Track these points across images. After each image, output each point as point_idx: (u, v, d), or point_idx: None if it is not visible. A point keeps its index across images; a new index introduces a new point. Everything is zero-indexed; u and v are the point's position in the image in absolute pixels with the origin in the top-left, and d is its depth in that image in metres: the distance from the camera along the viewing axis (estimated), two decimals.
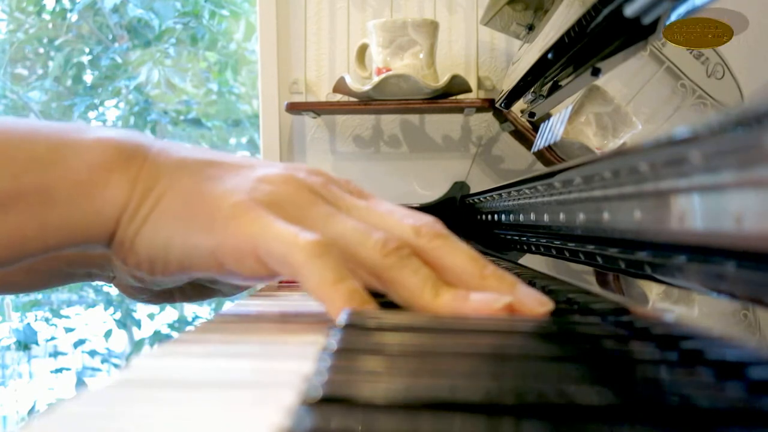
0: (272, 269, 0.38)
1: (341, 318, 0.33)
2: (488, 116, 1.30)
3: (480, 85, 1.31)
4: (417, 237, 0.39)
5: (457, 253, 0.40)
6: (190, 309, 2.92)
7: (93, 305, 2.84)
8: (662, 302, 0.40)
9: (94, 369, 2.74)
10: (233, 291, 0.53)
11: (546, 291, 0.49)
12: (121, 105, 2.66)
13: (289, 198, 0.40)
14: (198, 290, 0.52)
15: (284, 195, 0.40)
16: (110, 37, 2.64)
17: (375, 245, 0.38)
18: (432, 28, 1.19)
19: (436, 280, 0.38)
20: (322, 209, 0.40)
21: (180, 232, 0.39)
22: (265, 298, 0.54)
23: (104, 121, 2.71)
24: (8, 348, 2.68)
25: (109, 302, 2.82)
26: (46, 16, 2.68)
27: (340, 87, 1.20)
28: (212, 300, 0.59)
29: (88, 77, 2.70)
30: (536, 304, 0.38)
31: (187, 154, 0.42)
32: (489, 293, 0.38)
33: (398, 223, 0.40)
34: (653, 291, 0.41)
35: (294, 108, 1.25)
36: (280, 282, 0.58)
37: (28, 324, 2.69)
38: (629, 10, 0.52)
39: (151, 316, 2.88)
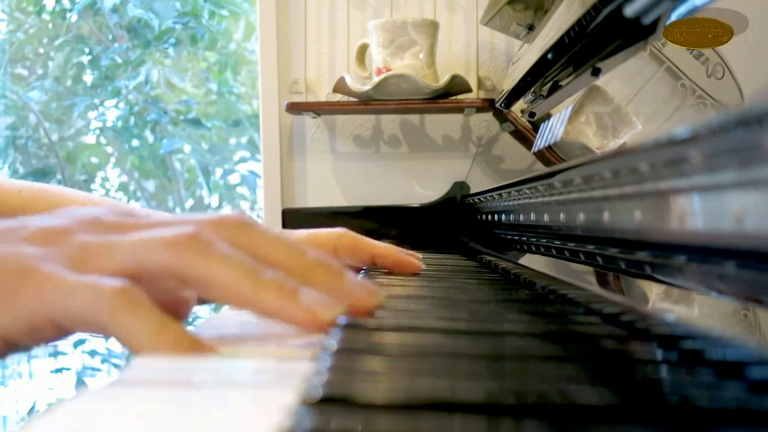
0: (71, 331, 0.33)
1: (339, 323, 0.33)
2: (488, 116, 1.30)
3: (480, 85, 1.31)
4: (217, 230, 0.35)
5: (271, 244, 0.36)
6: None
7: None
8: (662, 302, 0.40)
9: (94, 369, 2.74)
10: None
11: (546, 291, 0.49)
12: (121, 105, 2.66)
13: (65, 243, 0.34)
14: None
15: (61, 241, 0.34)
16: (110, 37, 2.64)
17: (165, 246, 0.33)
18: (432, 28, 1.19)
19: (255, 268, 0.33)
20: (101, 242, 0.34)
21: None
22: None
23: (104, 121, 2.71)
24: None
25: None
26: (46, 16, 2.68)
27: (340, 87, 1.20)
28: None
29: (88, 77, 2.70)
30: (367, 296, 0.36)
31: None
32: (316, 293, 0.34)
33: (194, 221, 0.35)
34: (653, 291, 0.41)
35: (294, 108, 1.25)
36: None
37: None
38: (629, 10, 0.52)
39: None
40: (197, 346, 0.32)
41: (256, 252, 0.35)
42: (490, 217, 0.87)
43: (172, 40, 2.58)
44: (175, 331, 0.32)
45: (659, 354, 0.30)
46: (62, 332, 0.33)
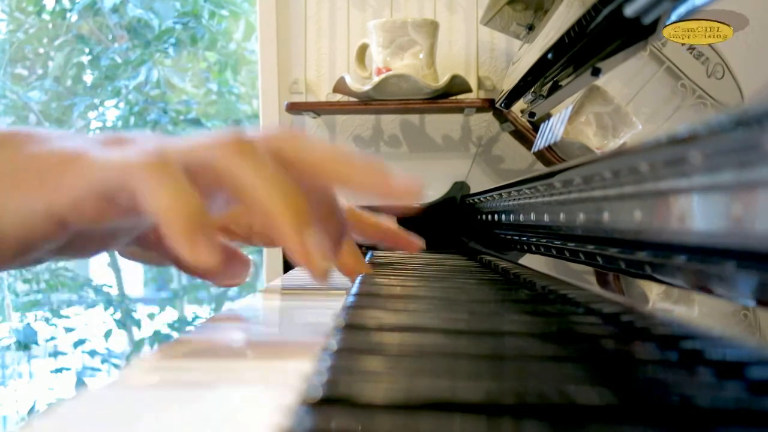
0: (117, 206, 0.34)
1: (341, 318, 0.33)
2: (488, 116, 1.30)
3: (480, 85, 1.31)
4: (267, 140, 0.35)
5: (316, 148, 0.36)
6: (189, 309, 2.92)
7: (93, 305, 2.84)
8: (662, 302, 0.40)
9: (94, 369, 2.74)
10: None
11: (546, 291, 0.49)
12: (121, 105, 2.66)
13: (118, 144, 0.36)
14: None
15: (114, 144, 0.36)
16: (110, 37, 2.64)
17: (212, 146, 0.34)
18: (432, 28, 1.19)
19: (287, 191, 0.33)
20: (148, 140, 0.36)
21: (6, 201, 0.35)
22: (265, 299, 0.54)
23: (104, 121, 2.71)
24: (8, 348, 2.68)
25: (109, 302, 2.82)
26: (46, 16, 2.68)
27: (340, 87, 1.20)
28: (211, 301, 0.56)
29: (88, 77, 2.71)
30: (408, 193, 0.35)
31: (8, 129, 0.38)
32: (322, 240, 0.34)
33: (241, 133, 0.36)
34: (653, 291, 0.41)
35: (294, 108, 1.25)
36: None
37: (28, 324, 2.69)
38: (629, 10, 0.52)
39: (151, 316, 2.89)
40: (205, 222, 0.32)
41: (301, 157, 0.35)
42: (490, 217, 0.87)
43: (172, 40, 2.58)
44: (195, 202, 0.32)
45: (659, 354, 0.30)
46: (108, 208, 0.34)
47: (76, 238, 0.37)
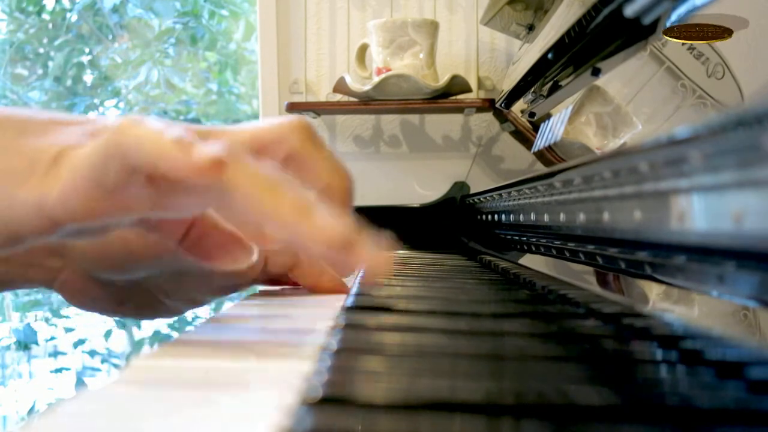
0: (119, 200, 0.31)
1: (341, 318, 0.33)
2: (488, 116, 1.30)
3: (480, 85, 1.31)
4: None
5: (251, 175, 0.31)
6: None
7: None
8: (662, 302, 0.40)
9: (94, 369, 2.74)
10: (185, 305, 0.49)
11: (546, 291, 0.49)
12: (121, 105, 2.66)
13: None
14: (147, 301, 0.47)
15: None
16: (110, 37, 2.64)
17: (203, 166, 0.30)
18: (432, 28, 1.19)
19: (276, 182, 0.31)
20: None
21: None
22: (266, 299, 0.54)
23: None
24: (8, 348, 2.68)
25: None
26: (46, 16, 2.68)
27: (340, 87, 1.20)
28: (209, 303, 0.55)
29: (88, 77, 2.70)
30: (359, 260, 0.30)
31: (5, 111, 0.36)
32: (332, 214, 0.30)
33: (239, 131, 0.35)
34: (653, 291, 0.41)
35: (294, 108, 1.25)
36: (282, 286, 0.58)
37: (28, 324, 2.69)
38: (629, 10, 0.52)
39: None
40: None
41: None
42: (490, 217, 0.87)
43: (172, 40, 2.58)
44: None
45: (659, 354, 0.30)
46: (100, 206, 0.32)
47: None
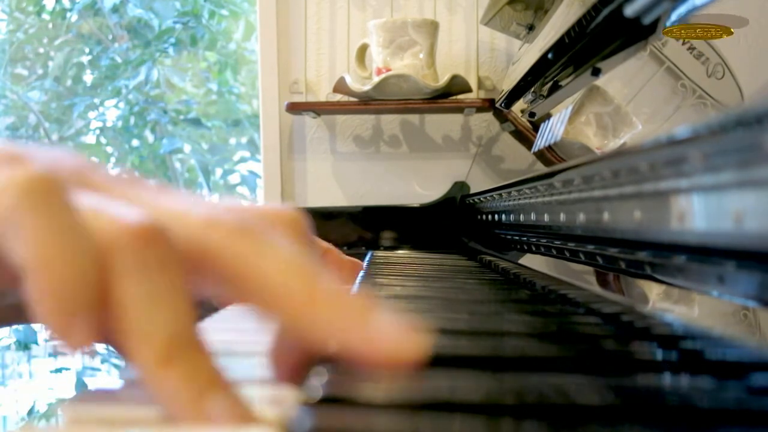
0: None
1: None
2: (488, 116, 1.30)
3: (480, 85, 1.31)
4: (207, 230, 0.24)
5: (273, 258, 0.24)
6: None
7: None
8: (662, 302, 0.40)
9: (94, 369, 2.74)
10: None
11: (546, 291, 0.49)
12: (121, 105, 2.66)
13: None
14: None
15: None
16: (110, 37, 2.64)
17: (205, 224, 0.24)
18: (432, 28, 1.19)
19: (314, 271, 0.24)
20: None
21: None
22: None
23: (104, 121, 2.71)
24: (8, 348, 2.68)
25: None
26: (46, 16, 2.68)
27: (340, 87, 1.20)
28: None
29: (88, 77, 2.70)
30: (399, 343, 0.23)
31: None
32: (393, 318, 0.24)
33: (184, 213, 0.25)
34: (653, 291, 0.41)
35: (294, 108, 1.25)
36: None
37: (28, 324, 2.69)
38: (629, 10, 0.52)
39: None
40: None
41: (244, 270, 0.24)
42: (490, 217, 0.87)
43: (172, 40, 2.58)
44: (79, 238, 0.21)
45: (659, 354, 0.30)
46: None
47: None
